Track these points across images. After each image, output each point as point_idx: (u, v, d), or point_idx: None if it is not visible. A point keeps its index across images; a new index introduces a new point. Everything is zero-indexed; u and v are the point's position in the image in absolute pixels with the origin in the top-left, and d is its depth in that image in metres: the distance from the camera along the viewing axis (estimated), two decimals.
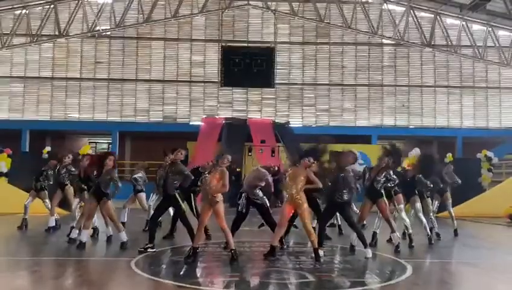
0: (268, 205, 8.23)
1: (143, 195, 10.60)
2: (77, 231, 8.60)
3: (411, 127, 25.49)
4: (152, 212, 10.39)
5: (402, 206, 8.78)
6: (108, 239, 8.82)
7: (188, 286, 5.55)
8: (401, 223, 8.86)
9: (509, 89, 25.88)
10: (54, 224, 10.08)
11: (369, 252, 7.41)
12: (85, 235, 8.06)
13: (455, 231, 10.43)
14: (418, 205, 9.18)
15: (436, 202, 10.70)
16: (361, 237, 7.54)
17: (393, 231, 8.28)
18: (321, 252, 7.23)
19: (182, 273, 6.29)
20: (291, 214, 7.60)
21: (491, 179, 19.42)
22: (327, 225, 8.39)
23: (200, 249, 7.80)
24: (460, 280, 6.60)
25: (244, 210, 8.04)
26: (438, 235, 9.78)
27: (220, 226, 7.02)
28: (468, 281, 6.51)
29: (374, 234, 8.89)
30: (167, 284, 5.71)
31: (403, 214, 8.71)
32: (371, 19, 23.79)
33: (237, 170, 18.59)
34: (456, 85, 25.72)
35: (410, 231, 8.71)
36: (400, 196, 8.78)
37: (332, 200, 7.60)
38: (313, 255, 7.12)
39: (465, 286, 6.32)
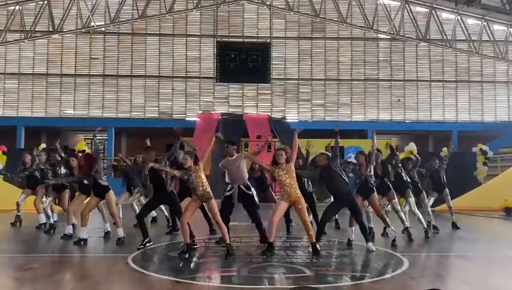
0: (257, 199, 8.01)
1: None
2: (70, 227, 8.64)
3: (407, 121, 25.57)
4: (135, 208, 10.33)
5: (395, 201, 8.77)
6: (106, 235, 8.83)
7: (185, 281, 5.56)
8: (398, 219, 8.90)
9: (504, 83, 26.00)
10: (45, 221, 10.07)
11: (371, 246, 7.46)
12: (84, 232, 8.06)
13: (454, 224, 10.47)
14: (412, 199, 9.23)
15: (432, 198, 10.74)
16: (363, 230, 7.57)
17: (388, 225, 8.30)
18: (317, 246, 7.27)
19: (179, 268, 6.29)
20: (285, 211, 7.63)
21: (486, 173, 19.52)
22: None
23: (198, 244, 7.80)
24: (457, 273, 6.63)
25: (235, 201, 7.92)
26: (435, 228, 9.83)
27: (216, 221, 7.03)
28: (464, 274, 6.54)
29: (370, 229, 8.91)
30: (164, 279, 5.70)
31: (398, 207, 8.73)
32: (366, 14, 23.78)
33: None
34: (452, 79, 25.82)
35: (407, 224, 8.75)
36: (392, 191, 8.75)
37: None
38: (310, 249, 7.13)
39: (462, 279, 6.34)
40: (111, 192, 8.24)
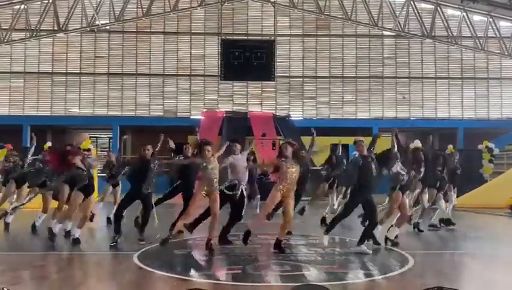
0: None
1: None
2: (58, 225, 8.54)
3: (412, 119, 25.45)
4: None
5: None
6: (66, 234, 8.48)
7: (190, 278, 5.58)
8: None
9: (511, 79, 25.79)
10: None
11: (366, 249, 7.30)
12: (58, 228, 8.08)
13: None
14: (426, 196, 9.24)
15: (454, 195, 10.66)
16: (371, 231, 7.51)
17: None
18: (326, 239, 7.33)
19: (184, 266, 6.32)
20: None
21: (492, 170, 19.42)
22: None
23: (199, 242, 7.82)
24: (462, 271, 6.61)
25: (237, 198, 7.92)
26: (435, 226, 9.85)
27: (215, 213, 7.14)
28: (470, 272, 6.52)
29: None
30: (171, 277, 5.73)
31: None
32: (371, 11, 23.68)
33: None
34: (457, 76, 25.65)
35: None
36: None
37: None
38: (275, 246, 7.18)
39: (467, 276, 6.33)
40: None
